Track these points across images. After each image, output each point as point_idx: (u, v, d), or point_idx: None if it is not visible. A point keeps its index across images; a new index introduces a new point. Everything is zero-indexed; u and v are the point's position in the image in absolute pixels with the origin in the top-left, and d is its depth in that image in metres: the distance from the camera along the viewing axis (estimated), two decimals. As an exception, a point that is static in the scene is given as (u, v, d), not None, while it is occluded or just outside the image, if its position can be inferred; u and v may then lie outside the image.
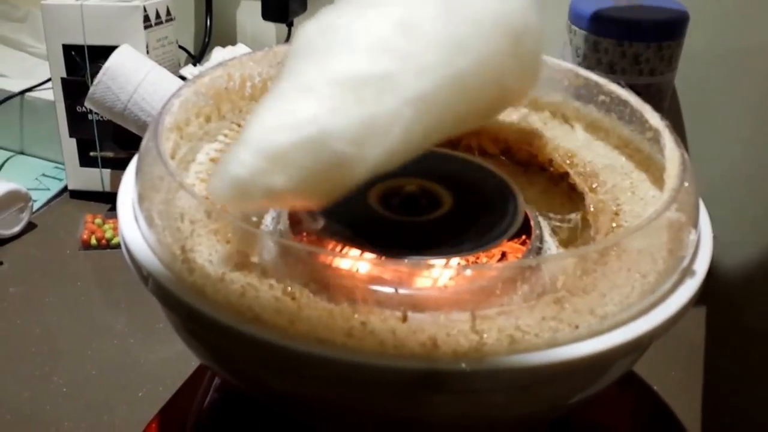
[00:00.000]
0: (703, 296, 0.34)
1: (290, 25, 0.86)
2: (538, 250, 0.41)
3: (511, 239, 0.41)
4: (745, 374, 0.84)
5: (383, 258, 0.37)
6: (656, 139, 0.40)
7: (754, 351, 0.82)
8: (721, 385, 0.85)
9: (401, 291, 0.33)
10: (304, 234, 0.41)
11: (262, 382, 0.36)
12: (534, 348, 0.31)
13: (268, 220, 0.46)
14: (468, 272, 0.35)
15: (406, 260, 0.36)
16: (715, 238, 0.72)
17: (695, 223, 0.35)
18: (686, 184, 0.35)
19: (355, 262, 0.36)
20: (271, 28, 0.90)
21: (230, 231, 0.34)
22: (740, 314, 0.81)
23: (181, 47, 0.85)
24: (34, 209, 0.74)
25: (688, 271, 0.34)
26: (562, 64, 0.48)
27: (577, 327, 0.31)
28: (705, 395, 0.62)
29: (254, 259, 0.34)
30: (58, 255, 0.71)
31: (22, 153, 0.86)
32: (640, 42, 0.60)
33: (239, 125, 0.48)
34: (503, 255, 0.41)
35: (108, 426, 0.53)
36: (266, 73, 0.50)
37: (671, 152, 0.37)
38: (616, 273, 0.33)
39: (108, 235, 0.71)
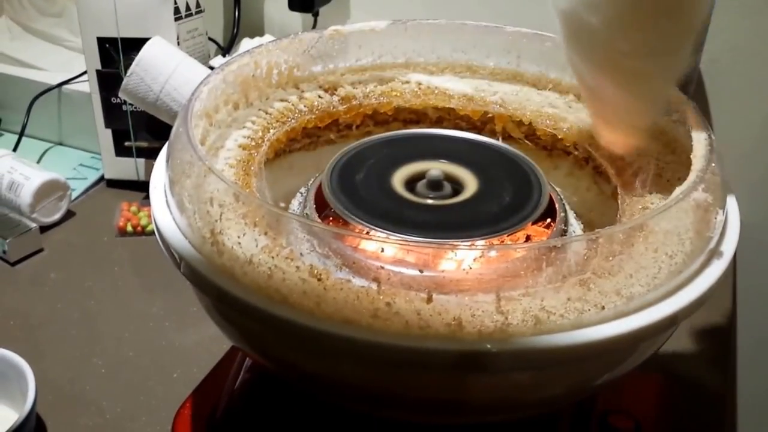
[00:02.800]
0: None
1: (316, 15, 0.86)
2: (563, 233, 0.41)
3: (536, 222, 0.41)
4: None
5: (408, 240, 0.37)
6: (682, 120, 0.39)
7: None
8: (746, 367, 0.84)
9: (426, 273, 0.33)
10: (331, 217, 0.42)
11: (290, 363, 0.37)
12: (559, 329, 0.31)
13: (295, 204, 0.47)
14: (492, 253, 0.35)
15: (430, 242, 0.36)
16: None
17: (722, 204, 0.35)
18: (713, 165, 0.35)
19: (380, 244, 0.36)
20: (298, 19, 0.90)
21: (258, 214, 0.35)
22: (760, 293, 0.80)
23: (210, 39, 0.86)
24: (72, 198, 0.76)
25: (715, 252, 0.34)
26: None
27: (603, 308, 0.31)
28: (730, 378, 0.61)
29: (282, 241, 0.34)
30: (95, 242, 0.72)
31: (60, 144, 0.88)
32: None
33: (266, 112, 0.48)
34: (528, 238, 0.41)
35: (144, 405, 0.54)
36: (292, 61, 0.50)
37: (698, 134, 0.37)
38: (643, 254, 0.33)
39: (143, 222, 0.73)
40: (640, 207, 0.38)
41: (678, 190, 0.34)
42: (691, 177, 0.34)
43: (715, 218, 0.34)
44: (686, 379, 0.56)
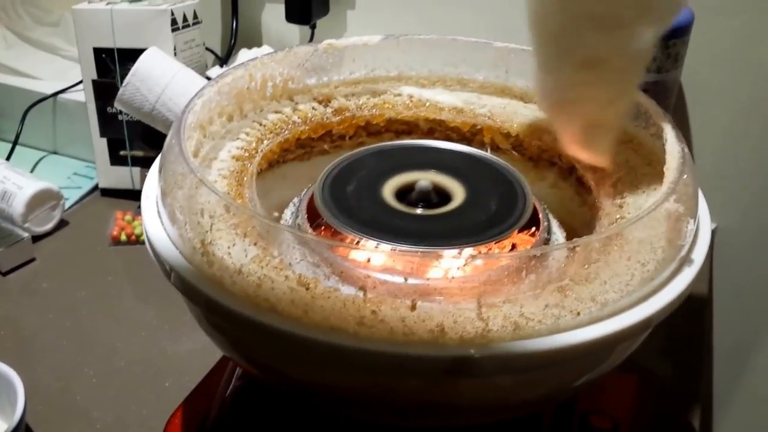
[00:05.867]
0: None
1: (313, 26, 0.88)
2: (546, 241, 0.42)
3: (521, 231, 0.42)
4: (746, 359, 0.85)
5: (395, 249, 0.38)
6: (659, 134, 0.41)
7: (755, 336, 0.83)
8: (722, 369, 0.86)
9: (410, 281, 0.34)
10: (322, 227, 0.43)
11: (279, 371, 0.38)
12: (537, 334, 0.32)
13: (288, 214, 0.48)
14: (473, 262, 0.36)
15: (416, 251, 0.37)
16: (717, 229, 0.72)
17: (693, 214, 0.36)
18: (685, 176, 0.36)
19: (367, 253, 0.37)
20: (295, 30, 0.92)
21: (249, 225, 0.36)
22: (741, 296, 0.81)
23: (207, 49, 0.87)
24: (66, 207, 0.77)
25: (686, 260, 0.36)
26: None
27: (578, 314, 0.32)
28: (706, 379, 0.63)
29: (273, 251, 0.35)
30: (88, 251, 0.73)
31: (55, 153, 0.89)
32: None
33: (261, 123, 0.50)
34: (513, 246, 0.42)
35: (135, 414, 0.55)
36: (287, 73, 0.52)
37: (672, 146, 0.38)
38: (617, 262, 0.34)
39: (137, 231, 0.74)
40: (617, 217, 0.39)
41: (650, 201, 0.35)
42: (664, 188, 0.36)
43: (687, 227, 0.36)
44: (663, 381, 0.57)
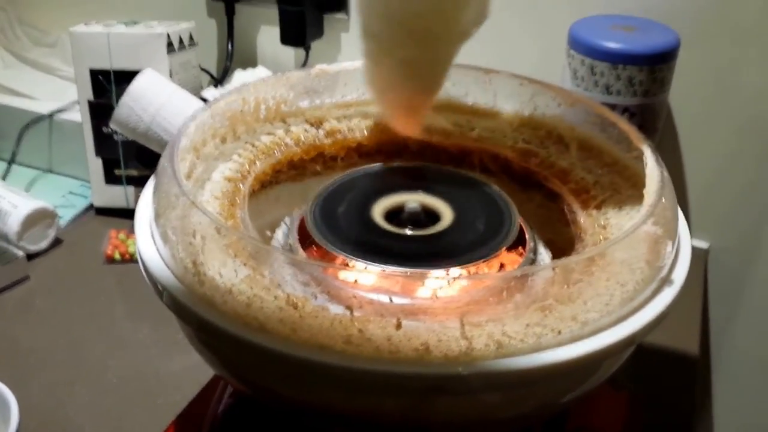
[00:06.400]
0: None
1: (308, 48, 0.89)
2: (532, 261, 0.43)
3: (508, 251, 0.43)
4: (741, 377, 0.86)
5: (383, 270, 0.39)
6: (640, 158, 0.42)
7: (748, 353, 0.84)
8: (714, 388, 0.87)
9: (396, 300, 0.35)
10: (313, 247, 0.44)
11: (268, 388, 0.39)
12: (520, 352, 0.33)
13: (279, 234, 0.49)
14: (456, 283, 0.37)
15: (401, 272, 0.38)
16: (710, 248, 0.73)
17: (673, 236, 0.37)
18: (664, 200, 0.37)
19: (355, 273, 0.38)
20: (290, 52, 0.93)
21: (239, 246, 0.37)
22: (735, 314, 0.83)
23: (203, 70, 0.88)
24: (60, 225, 0.77)
25: (666, 281, 0.37)
26: (556, 86, 0.50)
27: (559, 332, 0.33)
28: (698, 397, 0.63)
29: (264, 271, 0.36)
30: (83, 269, 0.74)
31: (50, 171, 0.90)
32: (634, 66, 0.63)
33: (253, 145, 0.51)
34: (501, 266, 0.43)
35: None
36: (280, 96, 0.53)
37: (651, 170, 0.39)
38: (599, 282, 0.35)
39: (131, 249, 0.74)
40: (601, 237, 0.40)
41: (629, 224, 0.36)
42: (642, 211, 0.37)
43: (666, 249, 0.37)
44: (654, 399, 0.58)
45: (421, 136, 0.53)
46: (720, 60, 0.71)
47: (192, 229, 0.37)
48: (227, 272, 0.35)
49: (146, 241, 0.39)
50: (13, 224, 0.71)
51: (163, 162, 0.42)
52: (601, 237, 0.41)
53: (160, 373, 0.61)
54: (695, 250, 0.79)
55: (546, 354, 0.33)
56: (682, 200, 0.78)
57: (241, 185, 0.47)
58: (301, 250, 0.44)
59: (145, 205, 0.42)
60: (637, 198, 0.43)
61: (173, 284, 0.36)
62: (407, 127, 0.52)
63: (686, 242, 0.39)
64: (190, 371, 0.59)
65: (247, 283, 0.35)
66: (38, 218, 0.74)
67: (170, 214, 0.39)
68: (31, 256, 0.74)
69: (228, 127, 0.50)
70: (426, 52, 0.44)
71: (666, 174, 0.39)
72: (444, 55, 0.45)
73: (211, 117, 0.48)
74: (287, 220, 0.49)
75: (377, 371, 0.32)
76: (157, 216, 0.40)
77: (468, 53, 0.82)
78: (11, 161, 0.85)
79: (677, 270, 0.37)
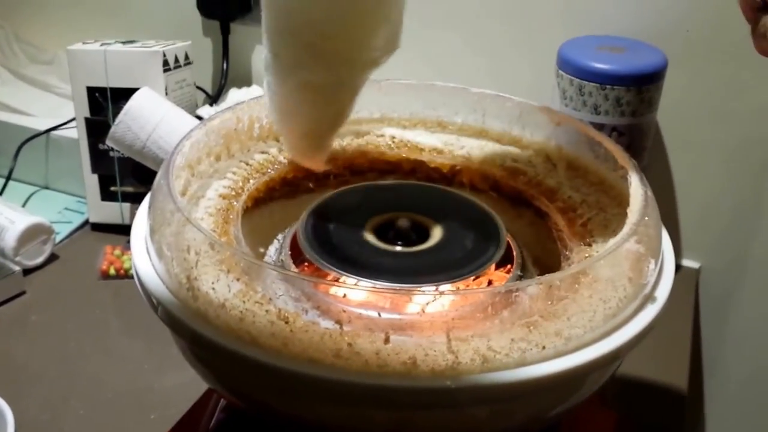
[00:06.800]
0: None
1: (301, 67, 0.91)
2: (519, 278, 0.44)
3: (497, 268, 0.44)
4: (731, 397, 0.86)
5: (372, 286, 0.40)
6: (625, 177, 0.43)
7: (738, 372, 0.85)
8: (706, 408, 0.87)
9: (384, 315, 0.36)
10: (305, 263, 0.45)
11: (260, 401, 0.39)
12: (505, 367, 0.34)
13: (272, 250, 0.50)
14: (443, 298, 0.38)
15: (390, 288, 0.39)
16: (701, 268, 0.74)
17: (655, 254, 0.38)
18: (647, 218, 0.38)
19: (345, 289, 0.39)
20: (284, 70, 0.94)
21: (232, 261, 0.38)
22: (725, 335, 0.84)
23: (198, 88, 0.89)
24: (56, 241, 0.78)
25: (649, 298, 0.37)
26: (545, 107, 0.51)
27: (544, 348, 0.34)
28: (689, 415, 0.64)
29: (256, 286, 0.37)
30: (78, 285, 0.74)
31: (46, 188, 0.90)
32: (621, 86, 0.65)
33: (247, 163, 0.52)
34: (490, 282, 0.44)
35: (121, 446, 0.56)
36: (273, 115, 0.54)
37: (635, 189, 0.40)
38: (583, 299, 0.36)
39: (126, 265, 0.75)
40: (586, 255, 0.41)
41: (612, 242, 0.37)
42: (625, 229, 0.38)
43: (648, 267, 0.37)
44: (644, 418, 0.59)
45: (314, 167, 0.50)
46: (708, 80, 0.73)
47: (186, 245, 0.38)
48: (221, 287, 0.36)
49: (142, 256, 0.40)
50: (10, 239, 0.72)
51: (159, 179, 0.43)
52: (586, 255, 0.41)
53: (153, 388, 0.61)
54: (687, 270, 0.80)
55: (530, 369, 0.33)
56: (673, 220, 0.80)
57: (234, 202, 0.48)
58: (293, 266, 0.44)
59: (141, 221, 0.43)
60: (622, 216, 0.44)
61: (168, 299, 0.37)
62: (310, 159, 0.49)
63: (670, 260, 0.40)
64: (183, 386, 0.60)
65: (239, 298, 0.36)
66: (35, 234, 0.74)
67: (165, 231, 0.39)
68: (27, 271, 0.74)
69: (222, 146, 0.51)
70: (333, 77, 0.42)
71: (650, 193, 0.40)
72: (351, 82, 0.43)
73: (206, 135, 0.49)
74: (280, 236, 0.50)
75: (366, 384, 0.33)
76: (153, 232, 0.41)
77: (461, 72, 0.84)
78: (8, 177, 0.86)
79: (660, 287, 0.38)
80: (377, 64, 0.41)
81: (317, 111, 0.44)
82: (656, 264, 0.38)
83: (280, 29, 0.41)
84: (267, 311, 0.35)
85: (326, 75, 0.41)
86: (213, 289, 0.36)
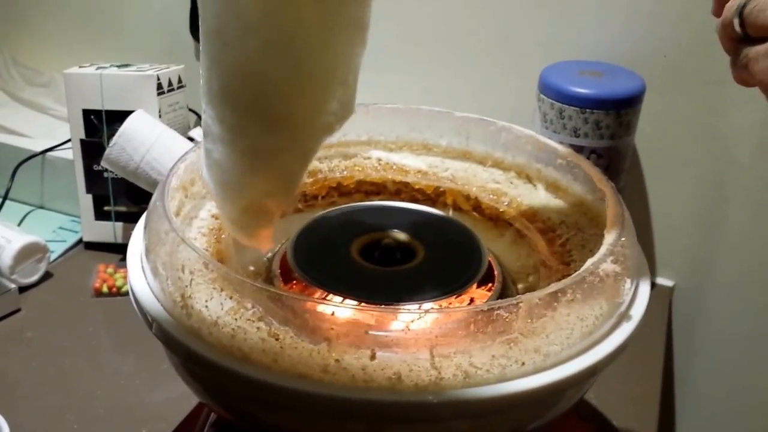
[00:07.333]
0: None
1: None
2: (500, 296, 0.46)
3: (478, 286, 0.46)
4: (707, 414, 0.88)
5: (359, 304, 0.41)
6: (603, 198, 0.45)
7: (710, 388, 0.87)
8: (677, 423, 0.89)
9: (370, 333, 0.38)
10: (294, 281, 0.46)
11: (251, 415, 0.41)
12: (486, 382, 0.35)
13: (262, 270, 0.51)
14: (426, 317, 0.39)
15: (375, 307, 0.41)
16: (675, 287, 0.76)
17: (631, 274, 0.40)
18: (623, 239, 0.40)
19: (332, 307, 0.41)
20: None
21: (225, 280, 0.39)
22: (698, 353, 0.85)
23: (191, 110, 0.91)
24: (51, 259, 0.79)
25: (624, 316, 0.39)
26: (525, 131, 0.53)
27: (523, 364, 0.36)
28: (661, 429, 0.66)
29: (247, 304, 0.38)
30: (72, 302, 0.75)
31: (41, 207, 0.92)
32: (600, 110, 0.67)
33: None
34: (471, 300, 0.45)
35: (114, 460, 0.57)
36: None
37: (611, 210, 0.42)
38: (561, 317, 0.38)
39: (119, 283, 0.76)
40: (564, 275, 0.43)
41: (589, 261, 0.39)
42: (602, 250, 0.39)
43: (624, 286, 0.39)
44: (617, 430, 0.60)
45: (256, 246, 0.44)
46: (683, 105, 0.75)
47: (181, 264, 0.39)
48: (213, 305, 0.38)
49: (137, 275, 0.42)
50: (6, 258, 0.73)
51: (154, 200, 0.44)
52: (565, 274, 0.43)
53: (145, 403, 0.62)
54: (661, 288, 0.82)
55: (511, 384, 0.35)
56: (648, 239, 0.81)
57: (226, 222, 0.50)
58: (282, 285, 0.46)
59: (137, 241, 0.45)
60: (600, 237, 0.46)
61: (163, 316, 0.38)
62: (253, 237, 0.43)
63: (645, 280, 0.42)
64: (174, 401, 0.61)
65: (231, 316, 0.37)
66: (30, 252, 0.76)
67: (160, 250, 0.41)
68: (22, 289, 0.75)
69: (216, 167, 0.52)
70: (284, 143, 0.37)
71: (627, 214, 0.42)
72: (304, 149, 0.38)
73: (199, 158, 0.51)
74: (270, 255, 0.52)
75: (352, 399, 0.34)
76: (148, 251, 0.42)
77: (446, 95, 0.85)
78: (5, 197, 0.87)
79: (636, 306, 0.40)
80: (332, 131, 0.38)
81: (264, 181, 0.39)
82: (632, 283, 0.40)
83: (226, 90, 0.37)
84: (258, 328, 0.36)
85: (277, 141, 0.37)
86: (206, 307, 0.38)
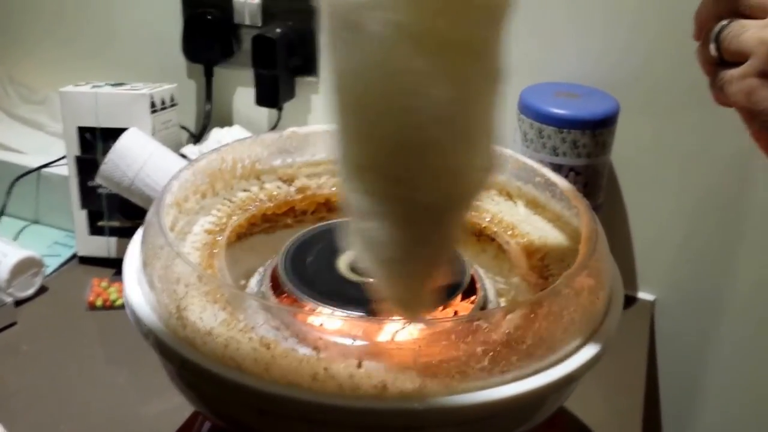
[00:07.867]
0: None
1: (280, 109, 0.95)
2: (483, 308, 0.48)
3: (462, 299, 0.48)
4: (689, 423, 0.90)
5: (347, 315, 0.43)
6: (578, 214, 0.47)
7: (695, 401, 0.88)
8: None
9: (357, 342, 0.39)
10: (284, 294, 0.48)
11: (243, 422, 0.42)
12: (468, 390, 0.37)
13: (253, 282, 0.53)
14: (409, 327, 0.41)
15: (362, 318, 0.43)
16: (656, 300, 0.78)
17: (605, 286, 0.42)
18: (597, 253, 0.42)
19: (321, 318, 0.42)
20: (264, 112, 0.98)
21: (218, 293, 0.41)
22: (680, 364, 0.87)
23: (183, 128, 0.93)
24: (46, 274, 0.80)
25: (599, 327, 0.41)
26: (506, 150, 0.55)
27: (504, 372, 0.38)
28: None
29: (239, 315, 0.40)
30: (67, 315, 0.76)
31: (37, 222, 0.93)
32: (577, 130, 0.69)
33: (231, 200, 0.55)
34: (455, 312, 0.47)
35: (108, 471, 0.58)
36: (255, 155, 0.57)
37: (586, 226, 0.44)
38: (539, 327, 0.39)
39: (112, 297, 0.78)
40: (542, 288, 0.45)
41: (564, 275, 0.41)
42: (576, 264, 0.41)
43: (599, 298, 0.41)
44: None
45: (416, 319, 0.40)
46: (656, 125, 0.78)
47: (176, 278, 0.41)
48: (207, 316, 0.39)
49: (134, 288, 0.43)
50: (2, 272, 0.74)
51: (150, 216, 0.46)
52: (544, 287, 0.45)
53: (138, 415, 0.64)
54: (642, 302, 0.84)
55: (493, 391, 0.37)
56: (629, 254, 0.83)
57: (218, 237, 0.51)
58: (273, 297, 0.48)
59: (133, 255, 0.46)
60: (575, 251, 0.48)
61: (158, 327, 0.40)
62: (415, 308, 0.40)
63: (619, 292, 0.44)
64: (168, 413, 0.62)
65: (224, 327, 0.39)
66: (26, 266, 0.77)
67: (156, 264, 0.43)
68: (18, 303, 0.76)
69: (208, 184, 0.54)
70: (441, 202, 0.35)
71: (600, 229, 0.44)
72: (460, 207, 0.36)
73: (193, 175, 0.53)
74: (261, 269, 0.53)
75: (340, 406, 0.36)
76: (145, 265, 0.44)
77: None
78: (1, 212, 0.88)
79: (610, 317, 0.42)
80: (484, 185, 0.36)
81: (429, 249, 0.37)
82: (606, 295, 0.42)
83: (373, 159, 0.34)
84: (250, 339, 0.38)
85: (435, 200, 0.35)
86: (200, 318, 0.39)
